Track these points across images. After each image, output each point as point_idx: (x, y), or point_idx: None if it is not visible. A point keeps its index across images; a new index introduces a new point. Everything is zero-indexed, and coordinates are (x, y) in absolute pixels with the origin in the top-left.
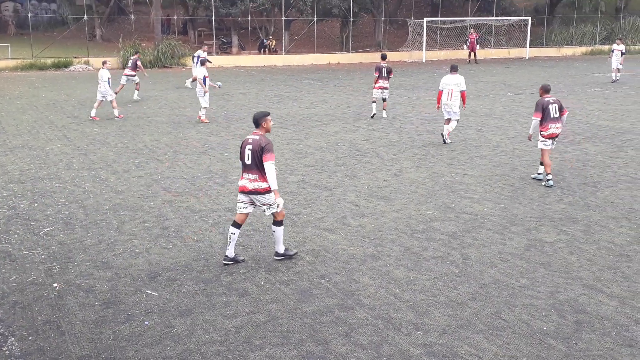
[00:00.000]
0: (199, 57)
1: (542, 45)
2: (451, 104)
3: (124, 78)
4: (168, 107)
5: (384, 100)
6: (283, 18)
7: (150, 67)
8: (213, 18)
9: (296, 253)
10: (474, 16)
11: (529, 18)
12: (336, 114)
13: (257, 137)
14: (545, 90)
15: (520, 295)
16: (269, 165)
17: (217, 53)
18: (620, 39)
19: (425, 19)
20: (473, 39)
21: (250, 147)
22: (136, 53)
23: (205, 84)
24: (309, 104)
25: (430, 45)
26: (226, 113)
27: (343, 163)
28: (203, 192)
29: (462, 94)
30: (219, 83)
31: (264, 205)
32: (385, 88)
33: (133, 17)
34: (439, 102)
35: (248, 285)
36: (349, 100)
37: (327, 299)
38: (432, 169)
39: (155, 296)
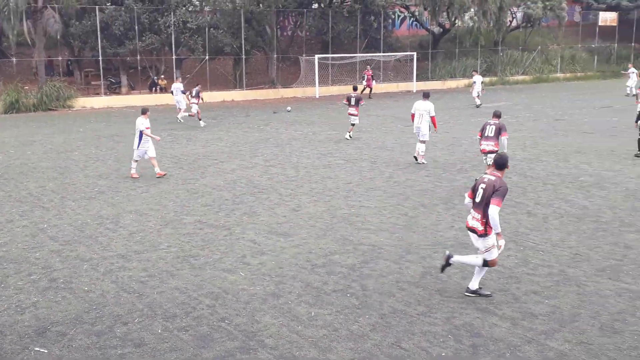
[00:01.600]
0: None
1: (427, 79)
2: (421, 127)
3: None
4: (54, 151)
5: (353, 124)
6: (174, 57)
7: (34, 110)
8: (100, 58)
9: (490, 295)
10: (362, 53)
11: (414, 53)
12: (232, 152)
13: (493, 178)
14: (495, 115)
15: (418, 323)
16: (494, 209)
17: (105, 94)
18: (475, 71)
19: (317, 56)
20: (369, 75)
21: (483, 186)
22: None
23: (141, 138)
24: (204, 142)
25: (323, 81)
26: (117, 155)
27: (241, 201)
28: (93, 239)
29: (432, 119)
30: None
31: (476, 247)
32: (355, 115)
33: (15, 59)
34: (413, 121)
35: (144, 334)
36: (245, 137)
37: (228, 342)
38: (330, 203)
39: (45, 353)
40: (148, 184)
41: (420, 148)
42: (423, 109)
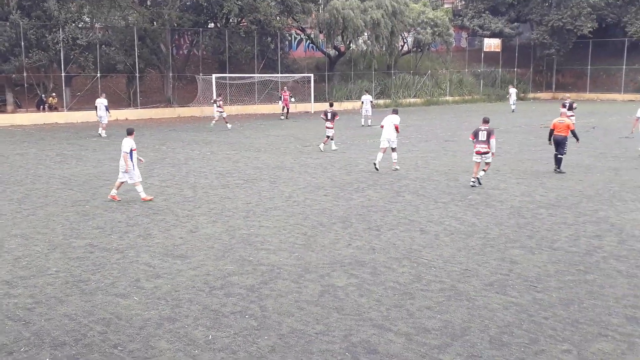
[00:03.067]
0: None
1: (325, 100)
2: (391, 137)
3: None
4: None
5: (328, 136)
6: (63, 74)
7: None
8: None
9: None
10: (260, 73)
11: (312, 75)
12: None
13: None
14: (484, 121)
15: (316, 342)
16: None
17: None
18: (367, 91)
19: (214, 75)
20: (286, 96)
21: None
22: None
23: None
24: (96, 162)
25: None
26: (0, 177)
27: (135, 223)
28: None
29: (395, 126)
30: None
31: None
32: (330, 128)
33: None
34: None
35: None
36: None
37: None
38: (229, 223)
39: None
40: (34, 206)
41: (394, 156)
42: (390, 121)
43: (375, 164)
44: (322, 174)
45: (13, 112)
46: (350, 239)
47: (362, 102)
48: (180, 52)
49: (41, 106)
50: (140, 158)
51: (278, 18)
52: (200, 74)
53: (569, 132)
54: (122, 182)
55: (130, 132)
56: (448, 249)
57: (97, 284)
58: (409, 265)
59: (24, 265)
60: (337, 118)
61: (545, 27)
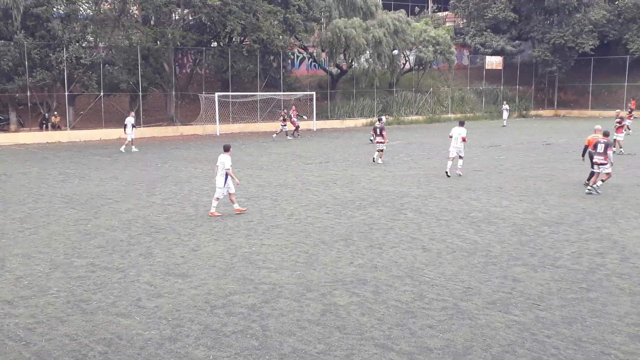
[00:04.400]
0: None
1: (327, 118)
2: (458, 146)
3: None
4: None
5: (380, 150)
6: (66, 93)
7: None
8: None
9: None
10: (262, 91)
11: (314, 93)
12: (128, 191)
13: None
14: (604, 134)
15: None
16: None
17: None
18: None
19: (217, 94)
20: (294, 114)
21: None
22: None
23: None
24: (98, 181)
25: (224, 119)
26: (3, 195)
27: (137, 242)
28: None
29: (463, 139)
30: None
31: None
32: (381, 142)
33: None
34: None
35: None
36: (141, 176)
37: None
38: (230, 241)
39: None
40: (36, 225)
41: (459, 163)
42: (457, 133)
43: (447, 172)
44: (324, 191)
45: (16, 131)
46: (352, 256)
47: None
48: (184, 70)
49: (44, 125)
50: (236, 179)
51: (281, 37)
52: (203, 93)
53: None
54: (219, 198)
55: (227, 149)
56: (450, 267)
57: (98, 304)
58: (411, 284)
59: (25, 284)
60: (384, 133)
61: (547, 44)
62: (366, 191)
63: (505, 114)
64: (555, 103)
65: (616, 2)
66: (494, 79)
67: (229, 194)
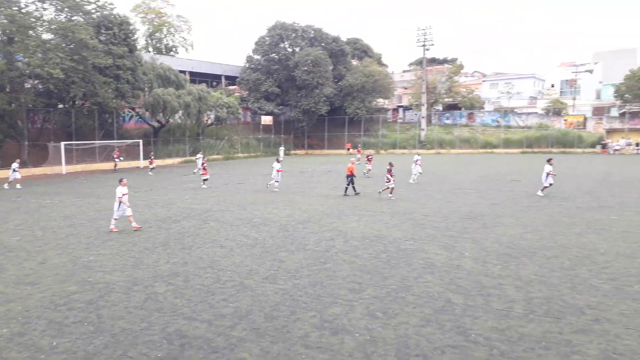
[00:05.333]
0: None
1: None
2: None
3: None
4: None
5: (206, 179)
6: None
7: None
8: None
9: None
10: (100, 140)
11: (140, 141)
12: None
13: None
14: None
15: (141, 336)
16: None
17: None
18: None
19: (63, 143)
20: (117, 154)
21: None
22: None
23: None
24: None
25: (69, 161)
26: None
27: None
28: None
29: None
30: None
31: None
32: (205, 176)
33: None
34: None
35: None
36: None
37: None
38: (73, 254)
39: None
40: None
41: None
42: (273, 166)
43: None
44: (148, 211)
45: None
46: (169, 257)
47: (197, 158)
48: (35, 125)
49: None
50: (125, 203)
51: (114, 100)
52: (52, 142)
53: None
54: (116, 219)
55: (120, 181)
56: (239, 257)
57: None
58: (211, 272)
59: None
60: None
61: (299, 109)
62: (180, 210)
63: (281, 152)
64: (306, 145)
65: (339, 83)
66: (268, 130)
67: (127, 216)
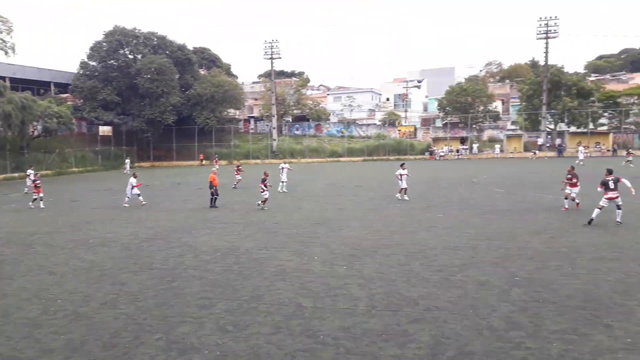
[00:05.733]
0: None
1: None
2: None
3: None
4: None
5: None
6: None
7: None
8: None
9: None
10: None
11: None
12: None
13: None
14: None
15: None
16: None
17: None
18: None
19: None
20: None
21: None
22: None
23: None
24: None
25: None
26: None
27: None
28: None
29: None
30: None
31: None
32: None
33: None
34: None
35: None
36: None
37: None
38: None
39: None
40: None
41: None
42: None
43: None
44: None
45: None
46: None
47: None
48: None
49: None
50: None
51: None
52: None
53: None
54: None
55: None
56: (72, 283)
57: None
58: (38, 302)
59: None
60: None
61: (143, 118)
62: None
63: (127, 167)
64: (152, 157)
65: (187, 92)
66: (107, 142)
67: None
